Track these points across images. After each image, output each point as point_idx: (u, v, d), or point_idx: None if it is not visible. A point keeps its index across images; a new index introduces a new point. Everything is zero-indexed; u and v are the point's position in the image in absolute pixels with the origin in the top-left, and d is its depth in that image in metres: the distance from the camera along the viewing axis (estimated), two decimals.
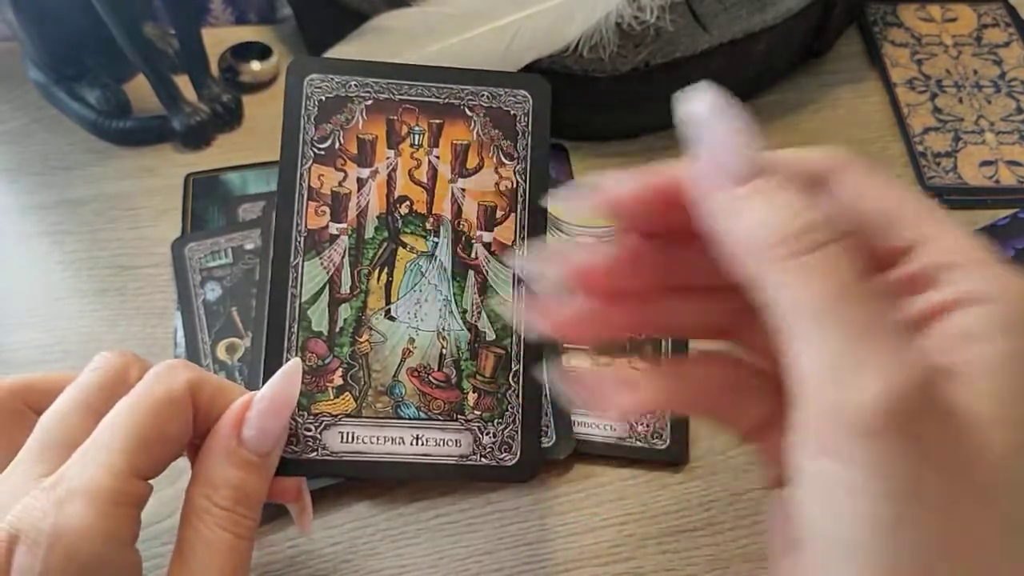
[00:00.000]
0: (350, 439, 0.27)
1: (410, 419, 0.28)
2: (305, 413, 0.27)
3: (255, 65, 0.47)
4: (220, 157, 0.44)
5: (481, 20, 0.39)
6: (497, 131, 0.29)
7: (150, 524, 0.31)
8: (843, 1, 0.45)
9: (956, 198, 0.42)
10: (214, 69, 0.47)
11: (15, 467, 0.24)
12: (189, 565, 0.24)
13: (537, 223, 0.29)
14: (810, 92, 0.48)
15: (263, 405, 0.25)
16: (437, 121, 0.29)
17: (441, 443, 0.28)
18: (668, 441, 0.34)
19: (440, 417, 0.28)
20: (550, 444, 0.33)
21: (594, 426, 0.34)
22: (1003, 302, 0.19)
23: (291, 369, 0.26)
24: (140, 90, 0.45)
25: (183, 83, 0.44)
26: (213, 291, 0.38)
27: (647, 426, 0.34)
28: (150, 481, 0.24)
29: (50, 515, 0.22)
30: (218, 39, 0.48)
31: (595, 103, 0.43)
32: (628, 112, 0.44)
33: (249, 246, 0.39)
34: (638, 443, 0.34)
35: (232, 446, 0.25)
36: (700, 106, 0.20)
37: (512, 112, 0.29)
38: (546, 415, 0.34)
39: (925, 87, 0.47)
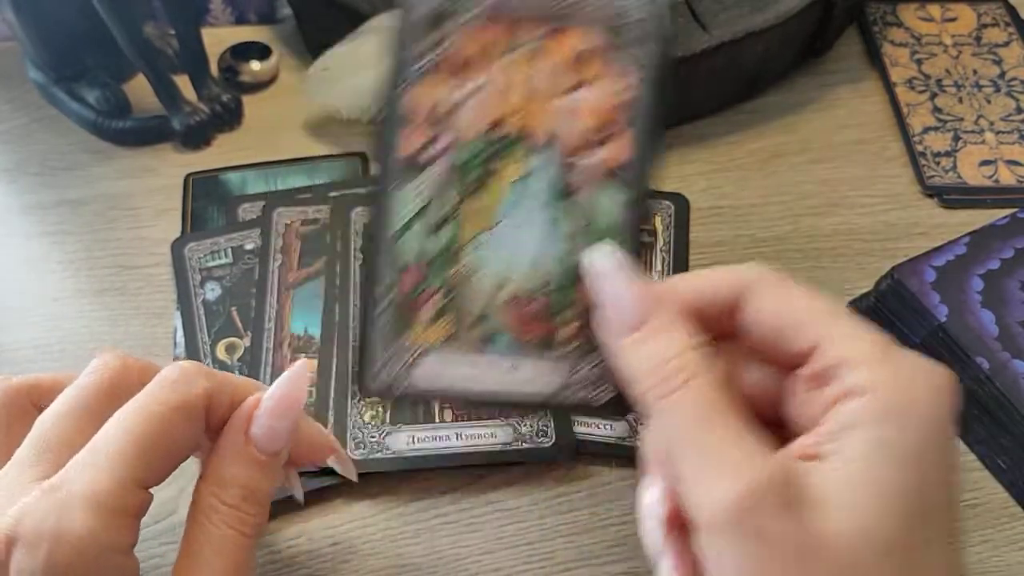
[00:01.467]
0: (443, 368, 0.26)
1: (504, 349, 0.26)
2: (400, 341, 0.26)
3: (255, 65, 0.47)
4: (220, 157, 0.44)
5: None
6: (619, 40, 0.26)
7: (149, 524, 0.31)
8: (843, 1, 0.45)
9: (955, 198, 0.42)
10: (214, 69, 0.47)
11: (12, 466, 0.24)
12: (195, 562, 0.24)
13: (653, 142, 0.26)
14: (810, 92, 0.48)
15: (270, 404, 0.26)
16: (549, 30, 0.26)
17: (535, 376, 0.26)
18: None
19: (534, 348, 0.26)
20: (549, 444, 0.33)
21: (594, 426, 0.34)
22: (878, 394, 0.21)
23: (298, 370, 0.26)
24: (140, 90, 0.45)
25: (183, 83, 0.44)
26: (213, 291, 0.38)
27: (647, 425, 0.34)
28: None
29: (51, 519, 0.22)
30: (218, 39, 0.48)
31: None
32: None
33: (249, 246, 0.39)
34: (638, 443, 0.34)
35: (240, 444, 0.25)
36: (600, 261, 0.24)
37: (630, 24, 0.26)
38: (546, 416, 0.34)
39: (925, 87, 0.47)
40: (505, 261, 0.27)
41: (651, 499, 0.24)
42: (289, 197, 0.41)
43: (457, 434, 0.34)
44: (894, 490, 0.21)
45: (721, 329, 0.24)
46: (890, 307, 0.36)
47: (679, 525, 0.24)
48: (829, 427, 0.22)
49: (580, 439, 0.34)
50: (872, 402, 0.22)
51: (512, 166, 0.26)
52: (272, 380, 0.28)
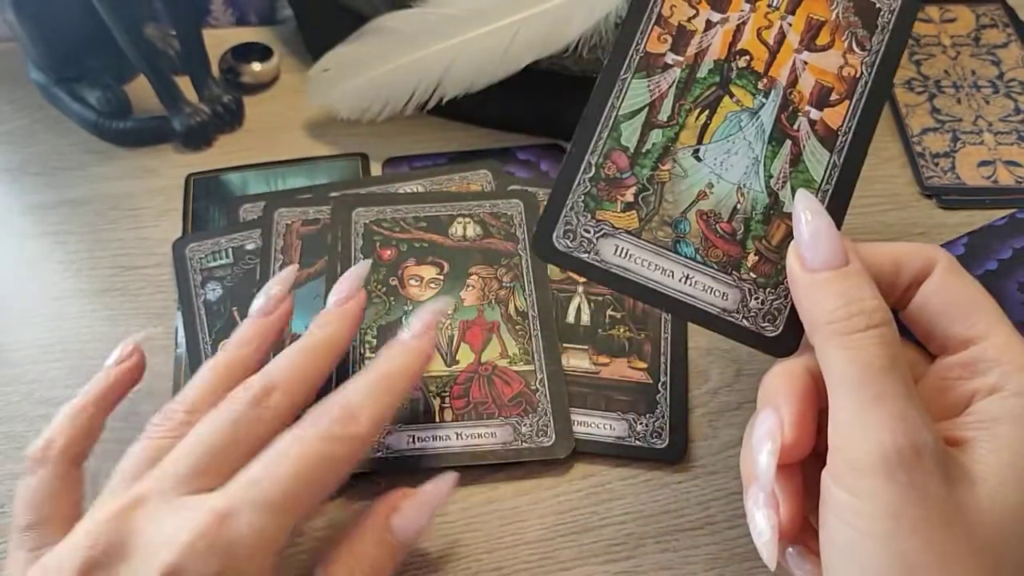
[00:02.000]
0: (623, 255, 0.28)
1: (686, 257, 0.28)
2: (589, 215, 0.28)
3: (256, 66, 0.48)
4: (221, 158, 0.44)
5: (481, 21, 0.40)
6: (857, 18, 0.29)
7: None
8: None
9: (954, 198, 0.43)
10: (215, 70, 0.47)
11: (165, 478, 0.26)
12: None
13: (870, 118, 0.28)
14: None
15: (421, 500, 0.29)
16: None
17: (709, 291, 0.28)
18: (667, 440, 0.34)
19: (715, 265, 0.28)
20: (549, 444, 0.34)
21: (593, 425, 0.34)
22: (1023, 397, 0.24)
23: (448, 478, 0.29)
24: (141, 91, 0.45)
25: (184, 84, 0.45)
26: (214, 291, 0.38)
27: (646, 425, 0.34)
28: None
29: (218, 555, 0.24)
30: (219, 40, 0.48)
31: None
32: None
33: (250, 246, 0.39)
34: (637, 442, 0.34)
35: (381, 529, 0.28)
36: (810, 199, 0.26)
37: (877, 5, 0.29)
38: (545, 415, 0.34)
39: (923, 87, 0.48)
40: (710, 177, 0.28)
41: (769, 428, 0.25)
42: (290, 198, 0.41)
43: (457, 433, 0.34)
44: None
45: (886, 299, 0.25)
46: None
47: (790, 461, 0.25)
48: (978, 416, 0.24)
49: (579, 439, 0.34)
50: (1017, 405, 0.24)
51: (741, 95, 0.28)
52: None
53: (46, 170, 0.44)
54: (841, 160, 0.28)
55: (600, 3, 0.40)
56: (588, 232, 0.28)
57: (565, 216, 0.28)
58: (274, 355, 0.30)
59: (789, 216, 0.27)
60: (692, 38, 0.28)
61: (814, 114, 0.28)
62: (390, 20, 0.41)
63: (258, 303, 0.31)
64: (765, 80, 0.28)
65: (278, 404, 0.28)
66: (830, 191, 0.28)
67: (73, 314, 0.39)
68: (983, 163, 0.44)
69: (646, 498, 0.33)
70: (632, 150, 0.28)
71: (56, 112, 0.46)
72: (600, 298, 0.37)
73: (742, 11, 0.29)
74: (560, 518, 0.33)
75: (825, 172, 0.28)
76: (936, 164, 0.44)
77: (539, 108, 0.44)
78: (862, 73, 0.28)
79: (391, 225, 0.39)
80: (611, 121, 0.28)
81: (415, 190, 0.41)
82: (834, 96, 0.28)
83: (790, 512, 0.25)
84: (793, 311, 0.27)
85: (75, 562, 0.24)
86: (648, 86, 0.28)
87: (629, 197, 0.28)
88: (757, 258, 0.28)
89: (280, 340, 0.32)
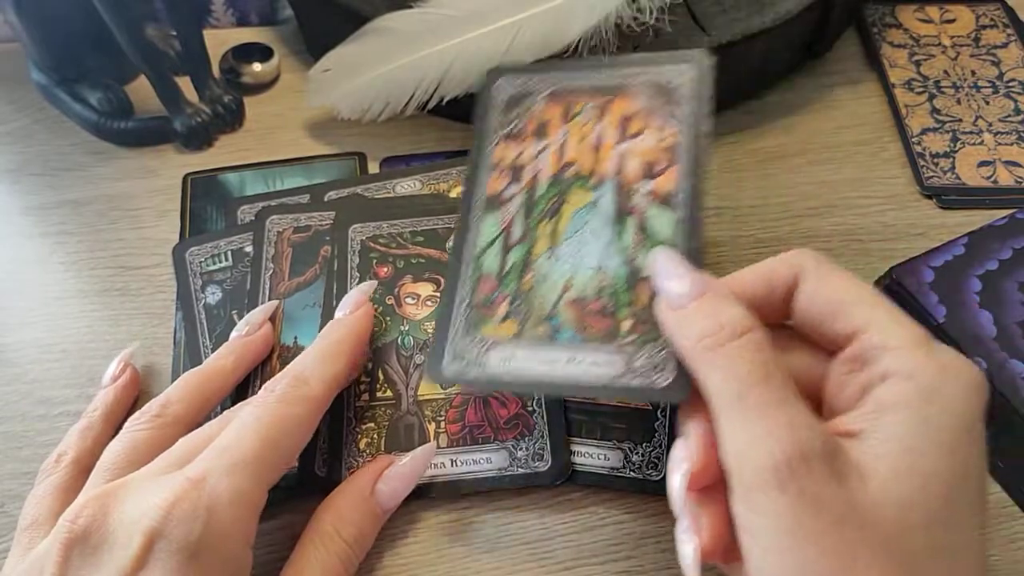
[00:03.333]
0: (510, 360, 0.29)
1: (566, 341, 0.29)
2: (472, 336, 0.30)
3: (256, 66, 0.48)
4: (221, 158, 0.44)
5: (481, 21, 0.40)
6: (660, 100, 0.32)
7: None
8: (842, 2, 0.46)
9: (954, 198, 0.43)
10: (215, 70, 0.47)
11: (143, 471, 0.27)
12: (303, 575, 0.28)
13: (699, 172, 0.31)
14: (809, 93, 0.48)
15: (402, 471, 0.31)
16: (606, 99, 0.33)
17: (596, 364, 0.29)
18: (663, 472, 0.33)
19: (596, 341, 0.29)
20: (545, 468, 0.33)
21: (587, 455, 0.33)
22: (918, 379, 0.23)
23: (427, 449, 0.32)
24: (141, 91, 0.45)
25: (184, 84, 0.45)
26: (214, 295, 0.38)
27: (642, 455, 0.33)
28: None
29: (200, 517, 0.25)
30: (219, 40, 0.48)
31: None
32: None
33: (248, 248, 0.39)
34: (632, 473, 0.33)
35: (366, 494, 0.30)
36: (662, 253, 0.28)
37: (673, 83, 0.32)
38: (542, 438, 0.33)
39: (923, 88, 0.48)
40: (570, 271, 0.31)
41: (679, 454, 0.25)
42: (283, 205, 0.40)
43: (452, 460, 0.33)
44: (933, 469, 0.22)
45: (769, 317, 0.26)
46: None
47: (707, 483, 0.25)
48: (869, 407, 0.24)
49: (575, 467, 0.33)
50: (912, 386, 0.23)
51: (579, 196, 0.31)
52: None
53: (46, 170, 0.44)
54: (685, 213, 0.30)
55: (600, 3, 0.40)
56: (474, 351, 0.30)
57: (451, 345, 0.30)
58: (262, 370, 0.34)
59: (650, 280, 0.29)
60: (525, 168, 0.32)
61: (649, 186, 0.31)
62: (390, 20, 0.41)
63: (243, 325, 0.35)
64: (596, 177, 0.32)
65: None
66: (683, 242, 0.30)
67: (73, 314, 0.39)
68: (983, 163, 0.44)
69: (646, 497, 0.33)
70: (496, 273, 0.31)
71: (57, 112, 0.47)
72: None
73: (562, 132, 0.33)
74: (560, 517, 0.33)
75: (671, 230, 0.30)
76: (936, 164, 0.44)
77: None
78: (680, 140, 0.31)
79: (388, 241, 0.38)
80: (472, 258, 0.31)
81: (412, 187, 0.41)
82: (661, 166, 0.31)
83: (712, 534, 0.25)
84: (680, 363, 0.27)
85: (59, 539, 0.25)
86: (497, 219, 0.32)
87: (503, 311, 0.30)
88: (632, 322, 0.29)
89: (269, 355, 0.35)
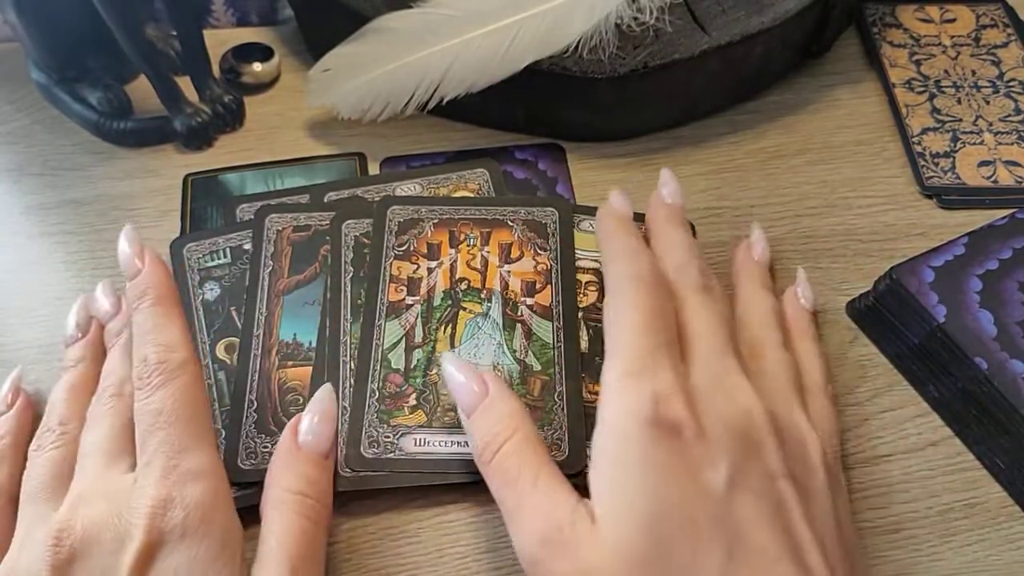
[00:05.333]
0: (423, 443, 0.33)
1: None
2: (385, 425, 0.33)
3: (256, 66, 0.48)
4: (222, 158, 0.44)
5: (481, 21, 0.40)
6: (533, 234, 0.39)
7: None
8: (842, 2, 0.46)
9: (954, 198, 0.43)
10: (215, 70, 0.47)
11: (86, 479, 0.29)
12: (264, 548, 0.28)
13: (569, 290, 0.37)
14: (808, 93, 0.48)
15: (313, 415, 0.31)
16: (486, 230, 0.39)
17: None
18: (566, 451, 0.33)
19: None
20: (563, 458, 0.33)
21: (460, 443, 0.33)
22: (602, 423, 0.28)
23: (328, 388, 0.33)
24: (142, 91, 0.45)
25: (185, 84, 0.45)
26: (212, 291, 0.38)
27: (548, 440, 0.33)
28: None
29: (180, 500, 0.27)
30: (220, 40, 0.48)
31: (594, 104, 0.43)
32: (627, 113, 0.44)
33: (247, 246, 0.39)
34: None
35: (294, 451, 0.31)
36: (450, 364, 0.31)
37: (543, 221, 0.39)
38: (560, 428, 0.34)
39: (924, 88, 0.48)
40: None
41: None
42: (281, 203, 0.41)
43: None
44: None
45: None
46: (888, 307, 0.36)
47: None
48: (592, 455, 0.28)
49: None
50: (600, 430, 0.28)
51: (472, 306, 0.37)
52: (259, 386, 0.35)
53: (47, 170, 0.44)
54: (561, 323, 0.36)
55: (600, 3, 0.40)
56: (388, 436, 0.33)
57: (366, 432, 0.33)
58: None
59: (540, 374, 0.35)
60: (421, 282, 0.37)
61: (529, 301, 0.37)
62: (390, 20, 0.41)
63: (72, 333, 0.35)
64: (485, 292, 0.37)
65: (132, 390, 0.30)
66: (562, 346, 0.35)
67: None
68: (983, 163, 0.44)
69: None
70: (403, 369, 0.35)
71: (57, 112, 0.47)
72: (599, 325, 0.36)
73: (451, 254, 0.38)
74: None
75: (552, 335, 0.36)
76: (936, 164, 0.44)
77: (539, 108, 0.44)
78: (551, 265, 0.38)
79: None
80: (379, 356, 0.35)
81: (412, 190, 0.41)
82: (539, 285, 0.37)
83: None
84: (571, 439, 0.33)
85: (44, 566, 0.26)
86: (399, 323, 0.36)
87: (412, 402, 0.34)
88: (527, 410, 0.32)
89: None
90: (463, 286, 0.37)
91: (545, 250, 0.38)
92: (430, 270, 0.37)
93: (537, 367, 0.35)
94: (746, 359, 0.31)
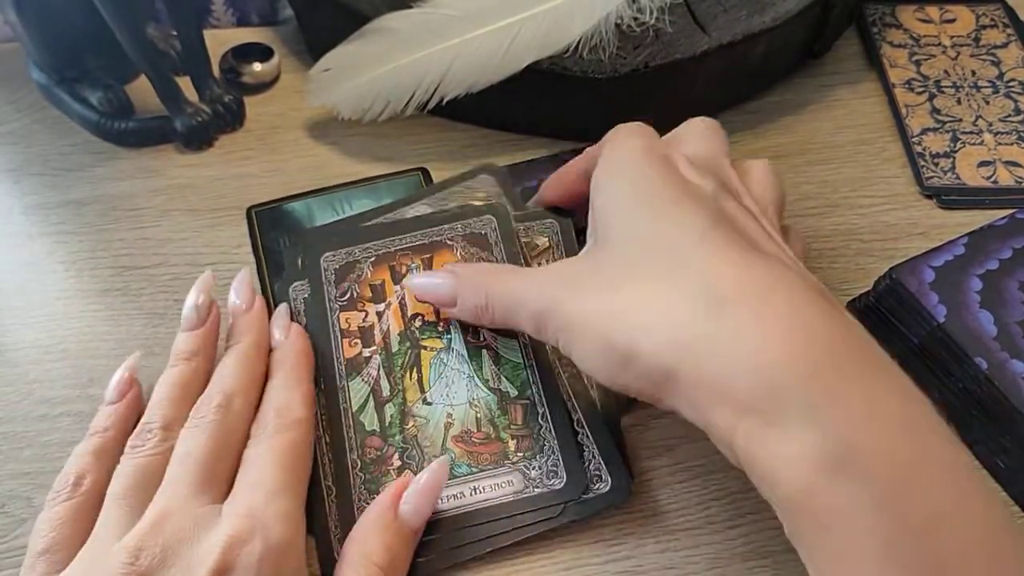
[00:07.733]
0: None
1: (464, 475, 0.32)
2: (375, 494, 0.31)
3: (257, 66, 0.48)
4: (222, 158, 0.44)
5: (482, 21, 0.40)
6: (475, 248, 0.37)
7: None
8: (842, 2, 0.46)
9: (954, 198, 0.43)
10: (216, 70, 0.47)
11: (175, 498, 0.28)
12: None
13: None
14: (809, 93, 0.48)
15: (420, 487, 0.30)
16: (427, 255, 0.37)
17: (496, 487, 0.32)
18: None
19: (490, 466, 0.32)
20: (606, 489, 0.32)
21: (488, 488, 0.32)
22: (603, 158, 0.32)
23: (442, 461, 0.31)
24: (142, 91, 0.45)
25: (185, 84, 0.45)
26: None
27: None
28: None
29: (258, 544, 0.27)
30: (220, 40, 0.48)
31: (594, 104, 0.43)
32: (627, 113, 0.44)
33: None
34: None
35: (390, 519, 0.30)
36: (413, 280, 0.35)
37: (482, 232, 0.38)
38: (595, 458, 0.33)
39: (923, 88, 0.48)
40: (446, 410, 0.34)
41: None
42: (327, 240, 0.38)
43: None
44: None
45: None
46: (889, 307, 0.36)
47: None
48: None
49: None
50: (601, 164, 0.33)
51: (432, 343, 0.35)
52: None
53: (47, 170, 0.44)
54: (527, 337, 0.34)
55: (600, 3, 0.40)
56: None
57: (358, 509, 0.31)
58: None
59: (519, 400, 0.34)
60: (374, 329, 0.35)
61: None
62: (390, 20, 0.41)
63: (190, 317, 0.34)
64: (441, 324, 0.35)
65: (240, 408, 0.31)
66: (533, 363, 0.34)
67: (74, 314, 0.39)
68: (983, 163, 0.44)
69: (646, 498, 0.33)
70: (379, 429, 0.33)
71: (57, 112, 0.47)
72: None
73: (396, 292, 0.36)
74: (560, 518, 0.33)
75: (521, 353, 0.35)
76: (936, 164, 0.44)
77: (539, 108, 0.44)
78: None
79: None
80: (351, 421, 0.33)
81: (424, 211, 0.40)
82: None
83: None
84: (566, 464, 0.32)
85: None
86: (362, 379, 0.34)
87: (397, 462, 0.32)
88: (515, 441, 0.33)
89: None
90: (417, 323, 0.35)
91: (491, 262, 0.37)
92: (379, 314, 0.36)
93: (513, 392, 0.34)
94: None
